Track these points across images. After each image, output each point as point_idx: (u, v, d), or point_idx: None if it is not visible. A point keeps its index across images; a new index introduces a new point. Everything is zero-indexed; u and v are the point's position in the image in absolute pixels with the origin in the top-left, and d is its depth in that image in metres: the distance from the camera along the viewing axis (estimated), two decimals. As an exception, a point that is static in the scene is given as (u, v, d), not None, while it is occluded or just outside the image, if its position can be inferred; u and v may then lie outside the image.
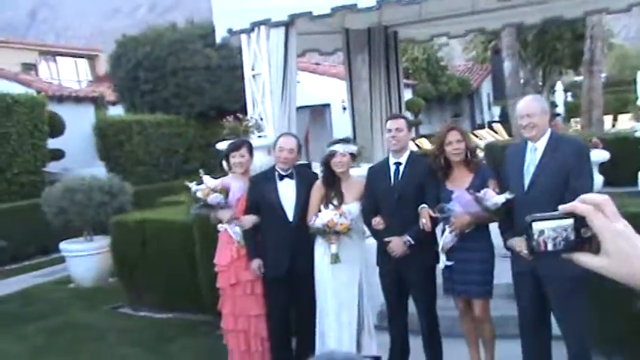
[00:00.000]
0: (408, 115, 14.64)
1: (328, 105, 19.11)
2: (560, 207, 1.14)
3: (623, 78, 30.01)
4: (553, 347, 4.16)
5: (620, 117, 21.35)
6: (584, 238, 1.12)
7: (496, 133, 22.87)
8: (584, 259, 1.13)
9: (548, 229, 1.14)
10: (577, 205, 1.12)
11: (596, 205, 1.11)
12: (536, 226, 1.14)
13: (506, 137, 19.69)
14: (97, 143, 13.95)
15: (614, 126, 20.63)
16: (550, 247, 1.14)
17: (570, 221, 1.13)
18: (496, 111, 28.02)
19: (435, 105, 25.77)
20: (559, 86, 22.36)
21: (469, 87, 27.48)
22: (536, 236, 1.14)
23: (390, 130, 4.55)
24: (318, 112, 18.83)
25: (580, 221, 1.12)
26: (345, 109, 17.77)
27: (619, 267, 1.09)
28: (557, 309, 3.95)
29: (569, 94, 25.73)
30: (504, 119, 23.92)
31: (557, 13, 7.77)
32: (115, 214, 7.90)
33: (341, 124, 15.37)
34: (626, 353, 4.64)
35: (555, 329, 4.14)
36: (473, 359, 4.55)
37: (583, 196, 1.13)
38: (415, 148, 15.48)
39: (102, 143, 13.81)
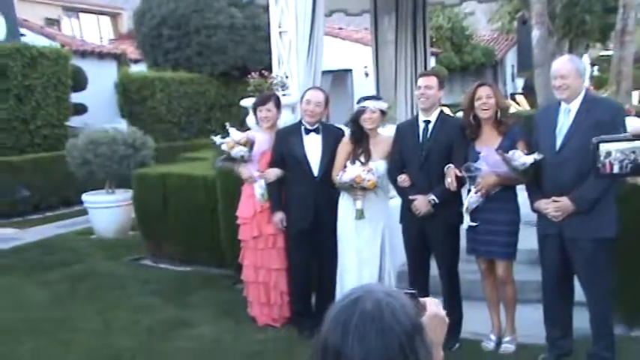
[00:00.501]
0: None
1: (350, 70, 18.91)
2: None
3: (653, 54, 29.32)
4: (574, 312, 4.15)
5: (647, 93, 20.89)
6: None
7: (518, 104, 22.54)
8: None
9: (616, 150, 1.09)
10: None
11: None
12: (603, 148, 1.10)
13: (529, 109, 19.40)
14: (118, 100, 13.97)
15: (639, 102, 20.22)
16: (616, 169, 1.09)
17: None
18: (519, 83, 27.56)
19: (458, 75, 25.41)
20: (586, 59, 21.89)
21: (493, 58, 27.04)
22: (602, 157, 1.09)
23: (419, 87, 4.48)
24: (340, 78, 18.64)
25: None
26: (367, 75, 17.56)
27: None
28: (581, 271, 3.92)
29: (595, 67, 25.21)
30: (527, 91, 23.55)
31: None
32: (137, 167, 7.95)
33: (362, 90, 15.20)
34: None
35: (577, 296, 4.12)
36: (493, 322, 4.55)
37: None
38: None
39: (124, 100, 13.81)
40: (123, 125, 12.45)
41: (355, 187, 4.46)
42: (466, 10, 25.42)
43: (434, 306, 1.45)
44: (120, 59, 15.79)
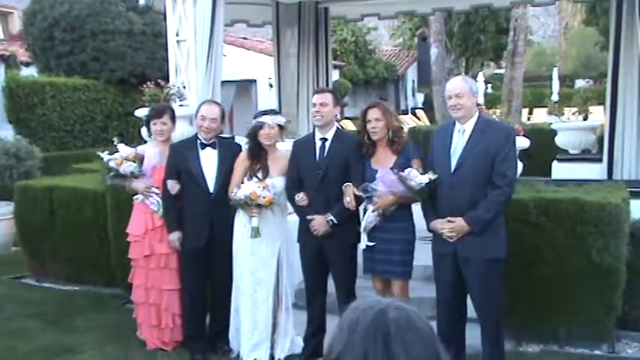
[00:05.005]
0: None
1: (254, 81, 18.75)
2: None
3: (540, 74, 31.17)
4: (467, 329, 4.20)
5: (536, 111, 22.14)
6: None
7: (419, 119, 23.24)
8: None
9: None
10: None
11: None
12: None
13: (428, 124, 20.06)
14: (5, 105, 13.10)
15: (529, 119, 21.39)
16: None
17: None
18: (420, 98, 28.44)
19: (361, 88, 25.86)
20: (480, 77, 22.93)
21: (395, 72, 27.74)
22: None
23: (314, 105, 4.41)
24: (244, 88, 18.45)
25: None
26: (271, 86, 17.44)
27: None
28: (474, 290, 3.98)
29: (489, 85, 26.46)
30: (427, 106, 24.35)
31: (486, 1, 7.87)
32: (22, 179, 7.43)
33: (266, 101, 15.11)
34: (534, 338, 4.77)
35: (470, 313, 4.18)
36: (389, 339, 4.52)
37: None
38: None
39: (11, 105, 12.96)
40: (9, 132, 11.69)
41: (250, 205, 4.31)
42: (369, 25, 25.99)
43: None
44: (8, 61, 14.83)
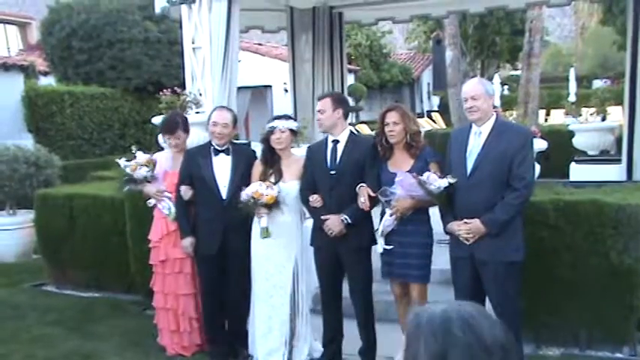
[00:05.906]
0: (350, 99, 14.43)
1: (270, 87, 18.83)
2: None
3: (557, 75, 30.88)
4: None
5: (553, 112, 21.97)
6: None
7: (434, 122, 23.17)
8: None
9: None
10: None
11: None
12: None
13: (444, 127, 20.00)
14: (25, 114, 13.25)
15: (546, 120, 21.25)
16: None
17: None
18: (435, 101, 28.33)
19: (376, 92, 25.85)
20: (496, 79, 22.80)
21: (410, 76, 27.69)
22: None
23: (319, 112, 4.46)
24: (259, 94, 18.53)
25: None
26: (286, 91, 17.54)
27: None
28: (491, 293, 3.95)
29: (505, 87, 26.29)
30: (443, 109, 24.25)
31: (501, 3, 7.84)
32: (42, 187, 7.52)
33: (282, 107, 15.15)
34: (554, 341, 4.72)
35: (489, 314, 4.15)
36: (407, 343, 4.50)
37: None
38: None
39: (30, 114, 13.12)
40: (29, 141, 11.83)
41: (255, 204, 4.31)
42: (384, 29, 25.98)
43: None
44: (27, 71, 15.02)
